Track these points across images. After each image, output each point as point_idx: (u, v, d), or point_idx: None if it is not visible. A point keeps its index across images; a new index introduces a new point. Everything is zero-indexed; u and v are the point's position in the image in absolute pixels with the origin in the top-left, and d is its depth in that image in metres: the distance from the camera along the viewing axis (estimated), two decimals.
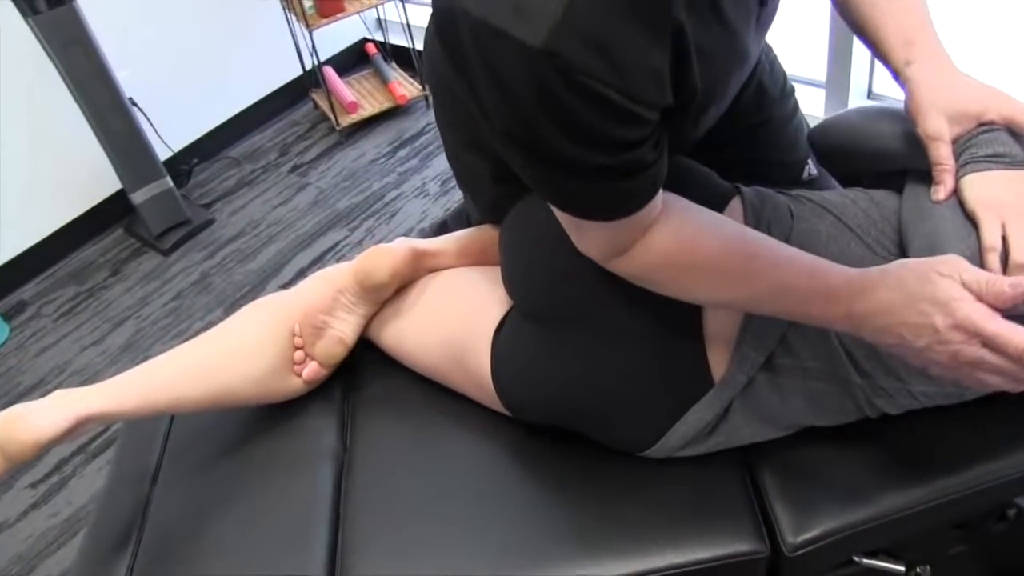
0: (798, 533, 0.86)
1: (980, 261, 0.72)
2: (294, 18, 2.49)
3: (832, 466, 0.90)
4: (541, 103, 0.61)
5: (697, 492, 0.89)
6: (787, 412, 0.87)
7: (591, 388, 0.89)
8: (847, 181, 1.04)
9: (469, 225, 1.27)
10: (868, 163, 0.95)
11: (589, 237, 0.78)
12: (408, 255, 1.04)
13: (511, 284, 0.96)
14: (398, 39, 2.80)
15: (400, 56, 2.83)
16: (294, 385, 1.06)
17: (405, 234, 2.22)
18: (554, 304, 0.90)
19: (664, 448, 0.89)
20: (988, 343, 0.66)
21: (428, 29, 0.93)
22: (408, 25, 2.56)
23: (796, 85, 1.14)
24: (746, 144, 1.12)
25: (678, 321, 0.85)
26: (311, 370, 1.06)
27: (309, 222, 2.35)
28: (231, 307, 2.11)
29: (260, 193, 2.50)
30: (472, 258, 1.09)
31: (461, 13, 0.61)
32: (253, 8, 2.60)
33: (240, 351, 1.03)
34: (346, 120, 2.61)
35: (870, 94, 2.10)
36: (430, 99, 2.71)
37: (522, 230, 0.94)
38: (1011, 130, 0.80)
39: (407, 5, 2.53)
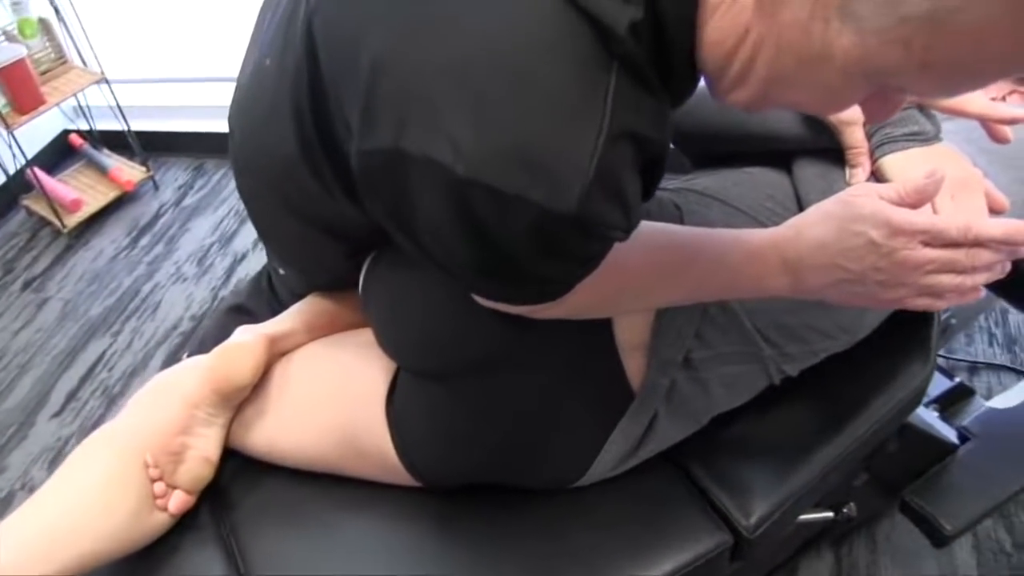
0: (751, 514, 0.90)
1: None
2: None
3: (755, 441, 0.95)
4: (531, 251, 0.59)
5: (643, 504, 0.91)
6: (708, 404, 0.90)
7: (510, 434, 0.85)
8: (703, 161, 1.04)
9: (275, 299, 1.19)
10: (750, 144, 0.94)
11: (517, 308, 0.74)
12: (265, 345, 0.95)
13: (394, 347, 0.90)
14: (105, 124, 2.63)
15: (111, 141, 2.65)
16: (159, 522, 0.93)
17: (175, 325, 2.11)
18: (452, 356, 0.85)
19: (595, 474, 0.88)
20: (928, 239, 0.65)
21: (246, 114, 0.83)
22: (119, 107, 2.42)
23: None
24: None
25: (588, 339, 0.82)
26: (178, 502, 0.93)
27: (63, 339, 2.15)
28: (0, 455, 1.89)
29: None
30: (323, 331, 1.02)
31: (429, 164, 0.55)
32: None
33: (90, 507, 0.89)
34: (72, 220, 2.41)
35: None
36: (156, 180, 2.58)
37: (394, 288, 0.88)
38: (920, 107, 0.83)
39: (113, 86, 2.38)
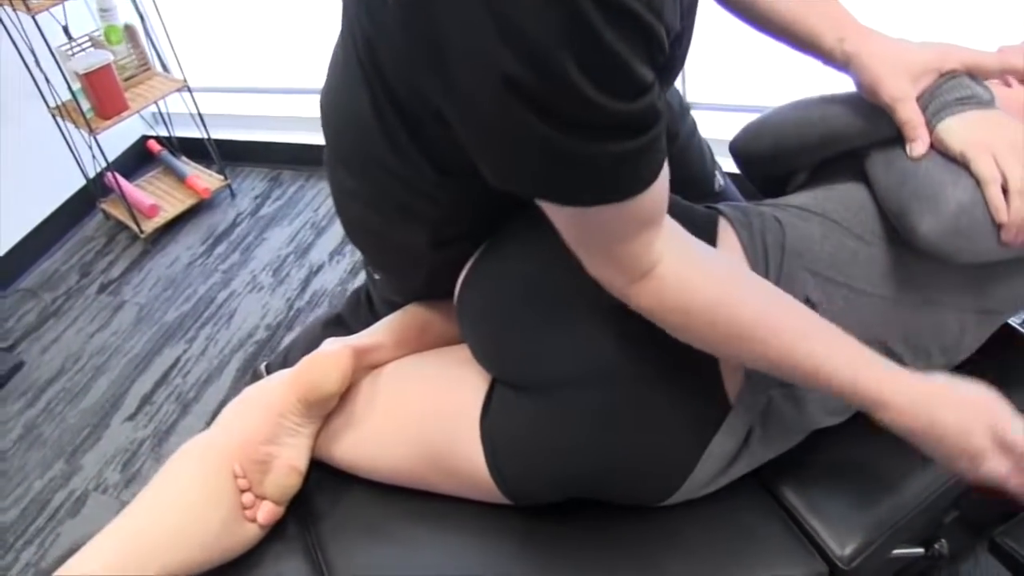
0: (846, 544, 0.89)
1: (981, 197, 0.76)
2: (69, 125, 2.30)
3: (849, 467, 0.94)
4: (570, 39, 0.56)
5: (733, 529, 0.90)
6: (803, 422, 0.89)
7: (608, 448, 0.84)
8: (770, 184, 1.05)
9: (372, 313, 1.23)
10: (811, 154, 0.96)
11: (604, 251, 0.71)
12: (351, 356, 0.95)
13: (490, 358, 0.89)
14: (184, 131, 2.67)
15: (189, 148, 2.69)
16: (250, 534, 0.94)
17: (251, 334, 2.12)
18: (550, 367, 0.84)
19: (689, 489, 0.87)
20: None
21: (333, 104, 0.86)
22: (200, 115, 2.45)
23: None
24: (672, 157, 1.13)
25: (690, 353, 0.80)
26: (266, 512, 0.94)
27: (138, 343, 2.17)
28: (73, 455, 1.90)
29: (71, 322, 2.28)
30: (411, 345, 1.02)
31: None
32: (14, 122, 2.37)
33: (182, 517, 0.90)
34: (149, 225, 2.44)
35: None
36: (232, 189, 2.61)
37: (490, 292, 0.88)
38: (970, 75, 0.84)
39: (195, 94, 2.42)
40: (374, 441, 0.96)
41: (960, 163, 0.79)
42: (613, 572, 0.89)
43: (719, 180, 1.19)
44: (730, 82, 2.16)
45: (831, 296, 0.86)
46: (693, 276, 0.73)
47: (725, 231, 0.89)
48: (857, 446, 0.95)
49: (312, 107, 2.89)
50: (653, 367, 0.82)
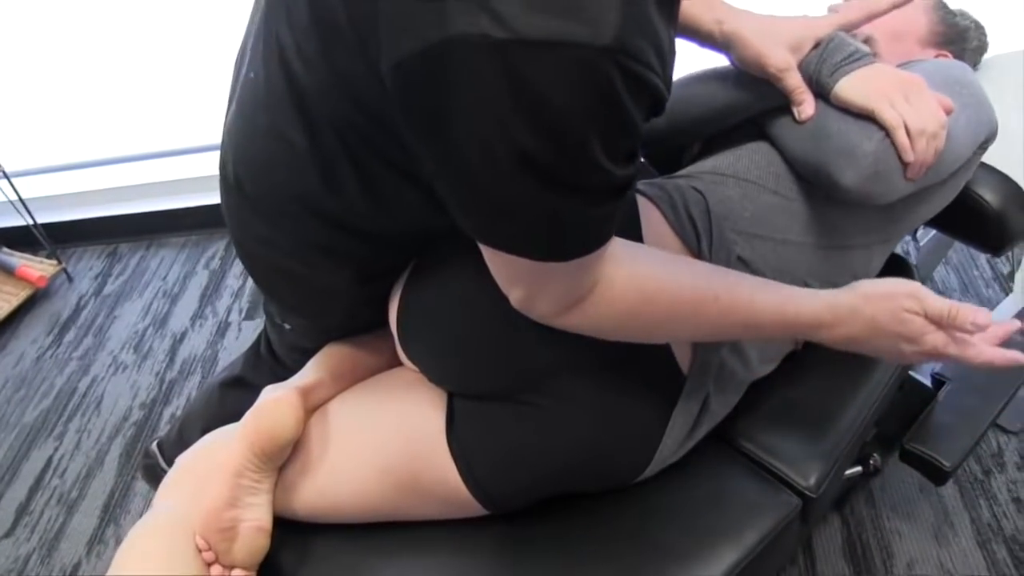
0: (809, 475, 0.97)
1: (889, 144, 0.85)
2: None
3: (793, 408, 1.03)
4: (585, 110, 0.58)
5: (709, 487, 0.96)
6: (748, 374, 0.96)
7: (577, 440, 0.87)
8: (665, 160, 1.11)
9: (278, 364, 1.18)
10: (704, 128, 1.02)
11: (548, 290, 0.74)
12: (300, 397, 0.94)
13: (444, 376, 0.91)
14: (3, 221, 2.47)
15: (9, 238, 2.49)
16: None
17: (125, 416, 2.00)
18: (506, 375, 0.87)
19: (659, 461, 0.92)
20: (946, 359, 0.82)
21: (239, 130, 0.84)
22: (22, 200, 2.28)
23: None
24: None
25: None
26: None
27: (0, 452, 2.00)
28: None
29: None
30: (348, 379, 1.01)
31: (466, 42, 0.55)
32: None
33: None
34: None
35: None
36: (69, 272, 2.45)
37: (433, 313, 0.89)
38: (844, 33, 0.92)
39: (12, 180, 2.25)
40: (338, 480, 0.94)
41: (865, 116, 0.87)
42: (607, 555, 0.92)
43: None
44: None
45: (759, 251, 0.93)
46: (622, 287, 0.76)
47: (647, 210, 0.93)
48: (792, 389, 1.05)
49: (139, 174, 2.75)
50: (606, 356, 0.85)
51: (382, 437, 0.93)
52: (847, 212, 0.97)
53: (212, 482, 0.90)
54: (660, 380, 0.90)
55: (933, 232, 1.44)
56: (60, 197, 2.50)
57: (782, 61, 0.91)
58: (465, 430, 0.89)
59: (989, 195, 1.08)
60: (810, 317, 0.82)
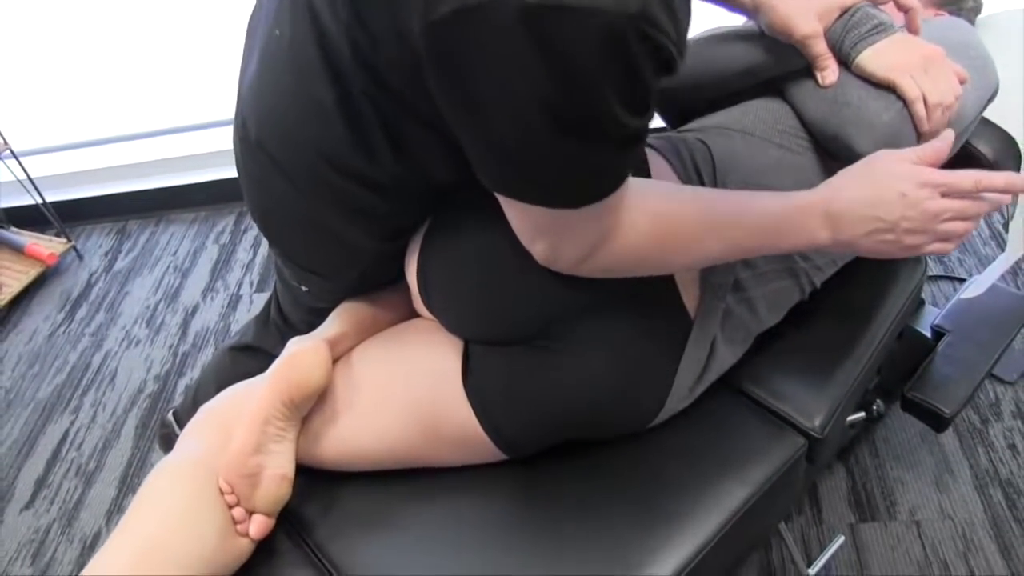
0: (814, 417, 1.01)
1: (907, 114, 0.88)
2: None
3: (798, 354, 1.07)
4: (608, 70, 0.62)
5: (719, 430, 1.00)
6: (756, 323, 0.99)
7: (591, 383, 0.90)
8: (683, 115, 1.13)
9: (290, 329, 1.20)
10: (727, 86, 1.04)
11: (571, 237, 0.77)
12: (328, 346, 0.96)
13: (463, 324, 0.93)
14: (10, 200, 2.50)
15: (19, 217, 2.52)
16: (243, 549, 0.92)
17: (140, 388, 2.04)
18: (521, 321, 0.89)
19: (671, 405, 0.95)
20: (946, 190, 0.80)
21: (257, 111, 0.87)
22: (31, 180, 2.31)
23: None
24: None
25: (650, 277, 0.88)
26: (258, 525, 0.92)
27: (14, 427, 2.03)
28: None
29: None
30: (369, 331, 1.03)
31: (502, 4, 0.58)
32: None
33: (174, 535, 0.87)
34: None
35: None
36: (78, 250, 2.48)
37: (453, 264, 0.91)
38: (870, 4, 0.94)
39: (21, 159, 2.27)
40: (360, 427, 0.96)
41: (886, 87, 0.90)
42: (622, 494, 0.96)
43: None
44: None
45: None
46: (642, 222, 0.79)
47: (656, 160, 0.96)
48: (797, 338, 1.09)
49: (147, 151, 2.77)
50: (616, 300, 0.88)
51: (402, 385, 0.96)
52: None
53: (239, 428, 0.92)
54: (669, 325, 0.93)
55: None
56: (68, 175, 2.53)
57: (810, 28, 0.93)
58: (481, 375, 0.91)
59: (985, 147, 1.12)
60: (807, 193, 0.83)
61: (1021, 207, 1.20)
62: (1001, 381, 1.63)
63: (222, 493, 0.92)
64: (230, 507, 0.92)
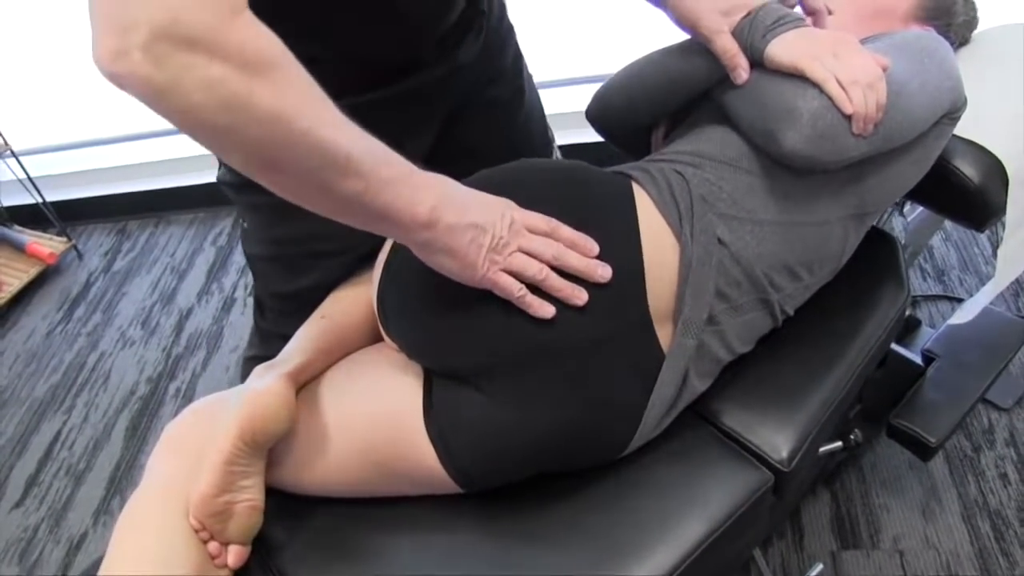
0: (782, 450, 0.98)
1: (828, 101, 0.86)
2: None
3: (769, 383, 1.04)
4: None
5: (685, 462, 0.97)
6: (728, 353, 0.97)
7: (557, 420, 0.87)
8: (632, 142, 1.14)
9: (274, 327, 1.19)
10: (663, 102, 1.06)
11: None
12: (290, 385, 0.94)
13: (424, 351, 0.92)
14: (11, 199, 2.52)
15: (20, 216, 2.54)
16: None
17: (132, 390, 2.05)
18: (486, 351, 0.87)
19: (641, 437, 0.93)
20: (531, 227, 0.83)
21: None
22: (31, 179, 2.32)
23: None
24: (500, 122, 1.16)
25: (626, 310, 0.87)
26: (235, 555, 0.92)
27: (9, 425, 2.04)
28: None
29: None
30: (335, 353, 1.02)
31: None
32: None
33: (153, 572, 0.87)
34: None
35: None
36: (79, 249, 2.50)
37: (412, 287, 0.90)
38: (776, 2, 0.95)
39: (22, 159, 2.29)
40: (322, 460, 0.95)
41: (797, 75, 0.89)
42: (585, 526, 0.93)
43: (555, 150, 1.27)
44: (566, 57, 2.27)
45: (737, 232, 0.94)
46: (268, 30, 0.66)
47: (638, 192, 0.95)
48: (769, 366, 1.05)
49: (148, 152, 2.77)
50: (586, 335, 0.86)
51: (363, 422, 0.94)
52: (816, 186, 0.97)
53: (205, 471, 0.90)
54: (641, 361, 0.91)
55: (921, 208, 1.44)
56: (69, 175, 2.54)
57: (715, 25, 0.93)
58: (443, 412, 0.89)
59: (969, 169, 1.08)
60: (434, 175, 0.79)
61: (1010, 231, 1.16)
62: (996, 407, 1.59)
63: (196, 531, 0.91)
64: (205, 542, 0.91)
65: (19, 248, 2.44)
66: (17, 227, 2.53)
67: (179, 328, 2.19)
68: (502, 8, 1.16)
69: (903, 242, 1.40)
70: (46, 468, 1.92)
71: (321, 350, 1.01)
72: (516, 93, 1.20)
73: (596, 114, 1.16)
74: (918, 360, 1.41)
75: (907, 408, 1.33)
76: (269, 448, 0.95)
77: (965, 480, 1.49)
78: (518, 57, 1.21)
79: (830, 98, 0.86)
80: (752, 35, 0.92)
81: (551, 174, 0.98)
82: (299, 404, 0.96)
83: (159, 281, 2.36)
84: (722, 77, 0.97)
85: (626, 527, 0.93)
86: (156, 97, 0.62)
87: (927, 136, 0.99)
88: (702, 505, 0.95)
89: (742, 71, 0.93)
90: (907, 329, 1.59)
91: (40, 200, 2.37)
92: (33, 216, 2.49)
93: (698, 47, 0.98)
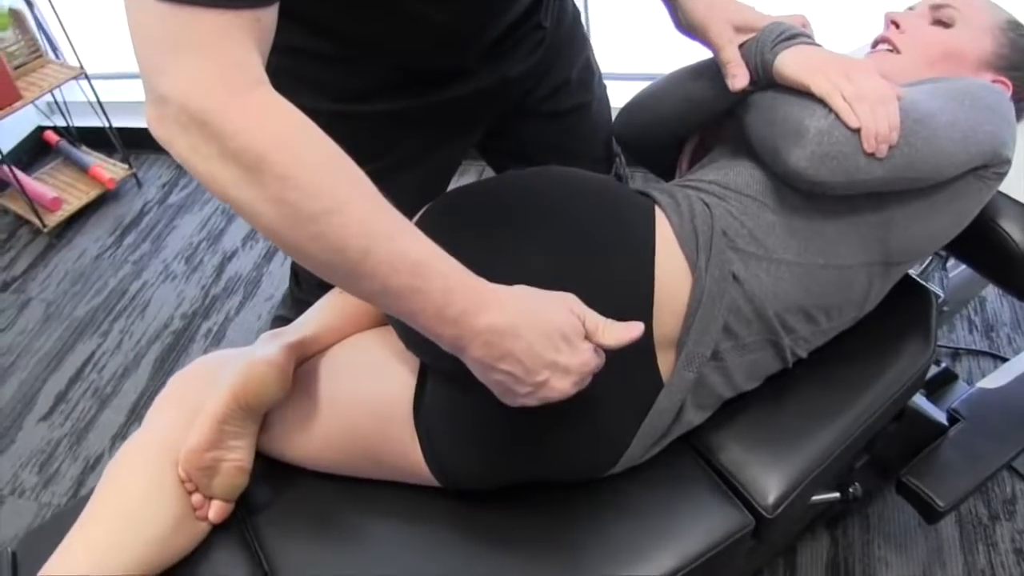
0: (769, 495, 0.95)
1: (835, 120, 0.83)
2: None
3: (769, 424, 1.00)
4: None
5: (668, 491, 0.95)
6: (730, 389, 0.95)
7: (545, 433, 0.86)
8: (658, 162, 1.13)
9: (300, 292, 1.24)
10: (684, 121, 1.04)
11: (185, 60, 0.61)
12: (290, 359, 0.94)
13: (420, 345, 0.88)
14: (83, 121, 2.59)
15: (89, 138, 2.61)
16: (202, 531, 0.95)
17: (166, 324, 2.10)
18: None
19: (627, 461, 0.91)
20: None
21: None
22: (100, 103, 2.38)
23: None
24: (557, 133, 1.15)
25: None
26: (217, 510, 0.94)
27: (48, 341, 2.12)
28: None
29: None
30: (343, 331, 1.01)
31: None
32: None
33: (135, 515, 0.90)
34: (52, 219, 2.37)
35: None
36: (138, 178, 2.56)
37: None
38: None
39: (93, 82, 2.35)
40: (309, 437, 0.96)
41: (802, 90, 0.86)
42: (557, 539, 0.93)
43: (618, 167, 1.24)
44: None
45: (753, 270, 0.91)
46: (287, 105, 0.65)
47: (660, 218, 0.93)
48: (772, 406, 1.02)
49: None
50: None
51: (353, 410, 0.95)
52: (841, 229, 0.93)
53: (198, 426, 0.92)
54: (639, 385, 0.89)
55: (964, 265, 1.37)
56: (138, 104, 2.57)
57: (724, 33, 0.92)
58: (433, 412, 0.89)
59: (1013, 228, 1.02)
60: (465, 279, 0.70)
61: None
62: (1023, 477, 1.52)
63: (183, 481, 0.94)
64: (189, 493, 0.94)
65: (83, 169, 2.51)
66: (85, 148, 2.60)
67: (221, 269, 2.23)
68: (574, 21, 1.14)
69: (942, 297, 1.34)
70: (75, 387, 1.99)
71: (332, 326, 1.02)
72: (580, 107, 1.18)
73: (620, 129, 1.16)
74: (943, 418, 1.35)
75: (920, 466, 1.27)
76: (263, 414, 0.97)
77: (975, 548, 1.43)
78: (587, 70, 1.18)
79: (836, 114, 0.83)
80: (761, 49, 0.90)
81: (574, 185, 0.96)
82: (299, 376, 0.98)
83: (209, 220, 2.40)
84: (739, 99, 0.95)
85: (594, 547, 0.92)
86: (182, 162, 0.64)
87: (964, 186, 0.94)
88: (676, 538, 0.93)
89: (741, 79, 0.92)
90: (941, 382, 1.52)
91: (107, 125, 2.43)
92: (101, 140, 2.56)
93: (717, 68, 0.96)
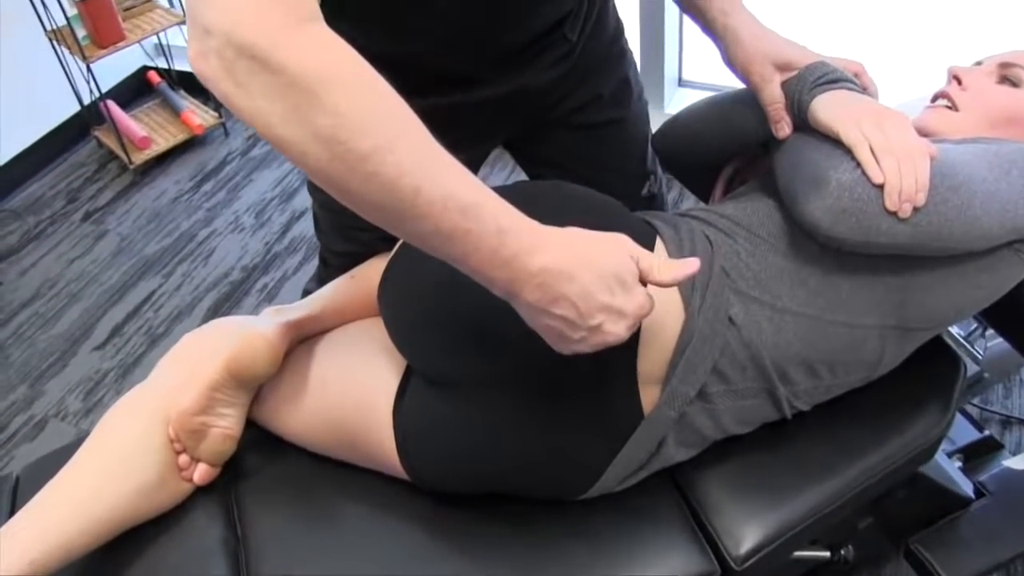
0: (741, 545, 0.89)
1: (861, 177, 0.77)
2: (65, 51, 2.28)
3: (757, 470, 0.94)
4: None
5: (636, 521, 0.91)
6: (718, 432, 0.91)
7: (517, 450, 0.85)
8: (693, 180, 1.10)
9: (324, 266, 1.24)
10: (719, 147, 1.02)
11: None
12: (284, 337, 0.96)
13: (408, 348, 0.90)
14: (184, 65, 2.64)
15: (188, 83, 2.67)
16: (184, 490, 0.97)
17: (226, 273, 2.11)
18: (464, 364, 0.85)
19: (599, 489, 0.89)
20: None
21: None
22: None
23: None
24: (588, 145, 1.12)
25: (611, 367, 0.82)
26: (202, 473, 0.96)
27: (115, 273, 2.18)
28: (38, 380, 1.91)
29: (52, 247, 2.28)
30: (347, 315, 1.03)
31: None
32: (11, 43, 2.35)
33: (120, 466, 0.92)
34: (139, 157, 2.44)
35: (680, 81, 2.25)
36: (227, 127, 2.59)
37: (410, 285, 0.89)
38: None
39: None
40: (297, 413, 0.98)
41: (833, 137, 0.81)
42: (516, 552, 0.90)
43: (651, 184, 1.20)
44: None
45: (754, 316, 0.86)
46: (340, 41, 0.63)
47: (659, 249, 0.90)
48: (766, 454, 0.96)
49: None
50: (569, 375, 0.82)
51: (339, 393, 0.95)
52: (855, 286, 0.86)
53: (190, 390, 0.94)
54: (619, 416, 0.86)
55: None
56: None
57: (766, 72, 0.90)
58: (411, 410, 0.89)
59: None
60: (525, 220, 0.67)
61: None
62: None
63: (172, 440, 0.96)
64: (177, 453, 0.96)
65: (176, 112, 2.57)
66: (183, 92, 2.66)
67: (287, 228, 2.24)
68: (613, 38, 1.11)
69: (980, 368, 1.20)
70: (131, 322, 2.03)
71: (336, 309, 1.04)
72: (612, 123, 1.14)
73: (659, 143, 1.13)
74: (969, 489, 1.23)
75: (933, 536, 1.19)
76: (257, 387, 0.99)
77: None
78: (624, 87, 1.14)
79: (860, 165, 0.77)
80: (800, 89, 0.87)
81: (577, 204, 0.94)
82: (297, 354, 1.00)
83: (285, 178, 2.42)
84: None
85: (550, 565, 0.89)
86: (225, 99, 0.62)
87: (997, 260, 0.86)
88: (632, 569, 0.88)
89: (784, 125, 0.89)
90: (983, 450, 1.38)
91: None
92: (199, 86, 2.57)
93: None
